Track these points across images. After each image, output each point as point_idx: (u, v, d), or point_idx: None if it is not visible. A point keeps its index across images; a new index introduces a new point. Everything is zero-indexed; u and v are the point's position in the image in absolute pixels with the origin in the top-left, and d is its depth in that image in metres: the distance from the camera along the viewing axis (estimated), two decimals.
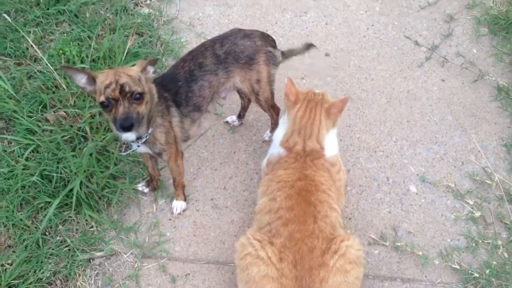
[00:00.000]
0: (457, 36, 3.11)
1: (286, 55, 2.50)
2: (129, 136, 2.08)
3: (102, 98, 1.89)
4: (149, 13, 3.24)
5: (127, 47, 2.92)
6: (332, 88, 2.94)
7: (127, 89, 1.88)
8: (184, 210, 2.52)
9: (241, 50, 2.28)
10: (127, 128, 1.90)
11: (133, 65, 2.19)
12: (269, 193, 2.21)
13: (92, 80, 1.95)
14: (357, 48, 3.11)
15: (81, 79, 1.96)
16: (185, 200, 2.52)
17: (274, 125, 2.63)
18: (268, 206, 2.17)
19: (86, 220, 2.41)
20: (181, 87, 2.23)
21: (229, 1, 3.33)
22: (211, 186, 2.61)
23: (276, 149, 2.31)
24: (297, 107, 2.24)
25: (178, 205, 2.51)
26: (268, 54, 2.33)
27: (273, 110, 2.56)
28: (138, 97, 1.92)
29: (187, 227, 2.48)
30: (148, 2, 3.32)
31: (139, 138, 2.11)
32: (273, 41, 2.41)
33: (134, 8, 3.27)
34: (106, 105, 1.90)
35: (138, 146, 2.15)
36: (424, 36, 3.13)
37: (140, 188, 2.57)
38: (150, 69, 2.02)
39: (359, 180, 2.63)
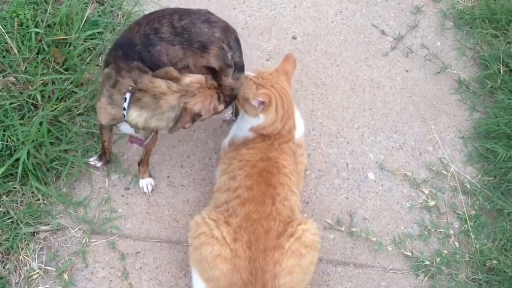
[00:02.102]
0: (423, 28, 3.13)
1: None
2: None
3: None
4: None
5: (86, 15, 2.78)
6: (297, 72, 2.89)
7: None
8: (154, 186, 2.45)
9: (197, 33, 2.08)
10: None
11: None
12: (229, 171, 2.17)
13: None
14: (325, 33, 3.08)
15: None
16: (150, 176, 2.45)
17: (236, 106, 2.56)
18: (227, 185, 2.13)
19: (32, 192, 2.28)
20: (140, 52, 2.06)
21: None
22: (168, 164, 2.53)
23: (242, 132, 2.25)
24: (273, 102, 2.16)
25: (148, 182, 2.42)
26: (221, 50, 2.11)
27: None
28: None
29: (140, 204, 2.40)
30: None
31: None
32: (236, 40, 2.17)
33: None
34: None
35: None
36: (391, 25, 3.13)
37: (92, 163, 2.45)
38: None
39: (319, 165, 2.61)
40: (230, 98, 2.14)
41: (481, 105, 2.82)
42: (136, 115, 1.96)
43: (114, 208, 2.37)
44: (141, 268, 2.22)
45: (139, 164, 2.41)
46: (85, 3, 2.90)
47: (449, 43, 3.07)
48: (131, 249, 2.26)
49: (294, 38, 3.04)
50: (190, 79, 1.95)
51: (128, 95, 1.95)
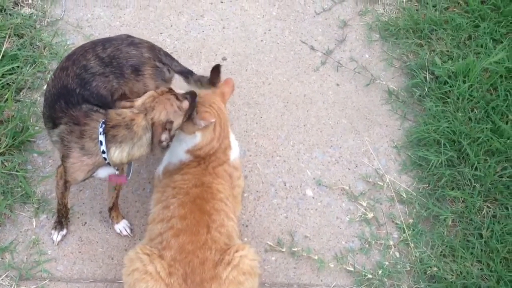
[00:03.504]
0: (351, 42, 3.18)
1: (193, 80, 2.31)
2: None
3: None
4: (31, 14, 2.97)
5: (3, 49, 2.66)
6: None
7: None
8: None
9: (126, 58, 2.08)
10: None
11: None
12: (163, 200, 2.11)
13: None
14: (254, 52, 3.08)
15: None
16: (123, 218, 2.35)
17: None
18: (161, 215, 2.07)
19: None
20: (82, 94, 2.01)
21: (121, 2, 3.15)
22: (100, 198, 2.42)
23: (178, 157, 2.19)
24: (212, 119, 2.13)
25: (124, 225, 2.34)
26: (155, 69, 2.14)
27: None
28: None
29: (72, 243, 2.28)
30: (30, 1, 3.04)
31: None
32: (166, 54, 2.21)
33: (13, 7, 2.98)
34: None
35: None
36: (320, 41, 3.16)
37: (59, 239, 2.28)
38: None
39: (256, 186, 2.58)
40: (192, 97, 2.08)
41: (411, 113, 2.88)
42: (118, 152, 1.92)
43: (44, 250, 2.25)
44: None
45: (110, 209, 2.30)
46: (2, 37, 2.77)
47: (377, 54, 3.13)
48: None
49: (224, 59, 3.02)
50: (141, 99, 1.95)
51: (102, 137, 1.89)
